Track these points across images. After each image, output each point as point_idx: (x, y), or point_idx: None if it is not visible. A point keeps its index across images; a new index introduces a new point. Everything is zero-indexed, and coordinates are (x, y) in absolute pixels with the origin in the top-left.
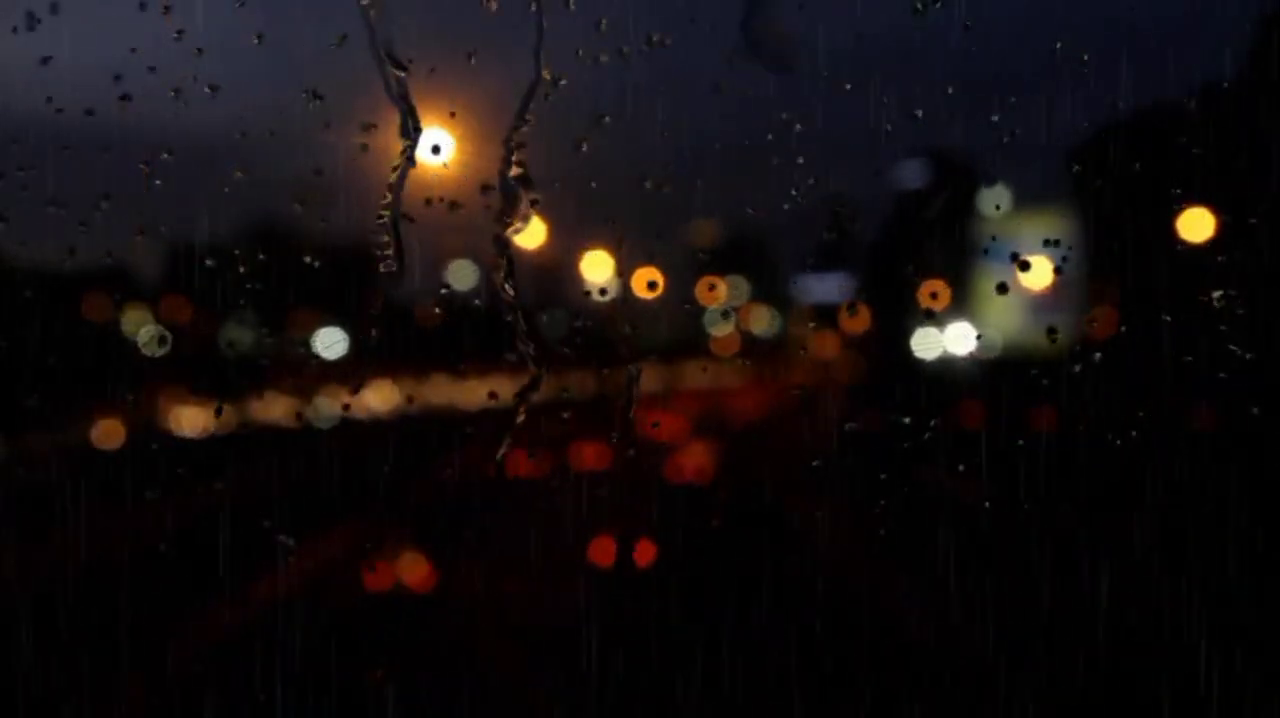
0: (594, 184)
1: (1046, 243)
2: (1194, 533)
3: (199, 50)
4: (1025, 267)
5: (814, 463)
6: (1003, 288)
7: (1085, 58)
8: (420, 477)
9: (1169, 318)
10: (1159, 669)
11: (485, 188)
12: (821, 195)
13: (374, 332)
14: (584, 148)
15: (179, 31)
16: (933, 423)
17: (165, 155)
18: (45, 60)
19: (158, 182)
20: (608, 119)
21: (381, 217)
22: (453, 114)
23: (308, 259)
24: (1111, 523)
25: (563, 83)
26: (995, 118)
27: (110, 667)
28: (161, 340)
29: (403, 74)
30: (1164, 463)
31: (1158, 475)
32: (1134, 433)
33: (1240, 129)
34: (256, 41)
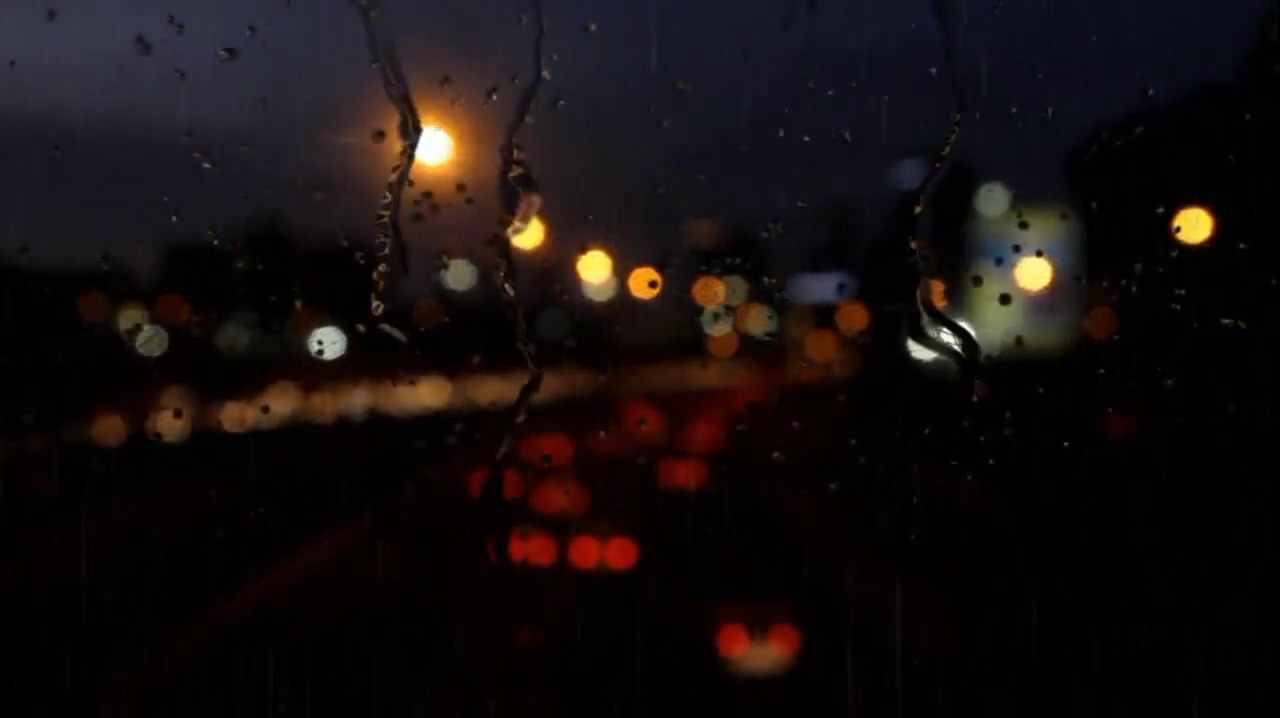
0: (594, 184)
1: (1046, 243)
2: (1194, 534)
3: (210, 52)
4: (1024, 261)
5: (812, 462)
6: (1005, 299)
7: (1085, 57)
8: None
9: (1168, 318)
10: (1157, 668)
11: (484, 188)
12: (821, 195)
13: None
14: (584, 148)
15: (179, 29)
16: (929, 422)
17: (162, 155)
18: (48, 65)
19: (156, 182)
20: (608, 119)
21: (381, 217)
22: (452, 114)
23: (308, 260)
24: (1110, 524)
25: (563, 83)
26: (996, 118)
27: (106, 664)
28: (159, 340)
29: (402, 74)
30: (1163, 463)
31: (1157, 475)
32: (1133, 433)
33: (1240, 129)
34: (255, 42)
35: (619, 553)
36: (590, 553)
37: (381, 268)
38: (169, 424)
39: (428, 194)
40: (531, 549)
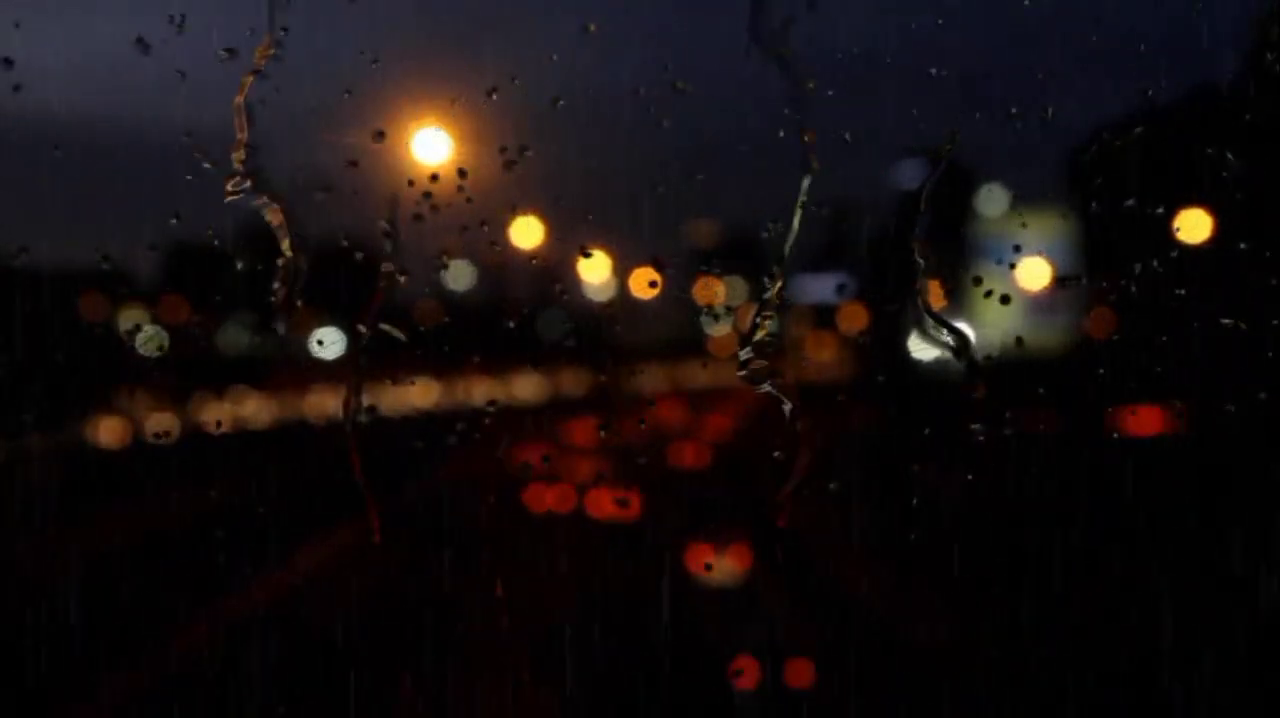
0: (594, 184)
1: (1046, 243)
2: (1193, 533)
3: (217, 52)
4: (1024, 261)
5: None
6: (1005, 299)
7: (1085, 57)
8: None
9: (1168, 318)
10: (1153, 668)
11: (484, 189)
12: (821, 195)
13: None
14: (584, 148)
15: (179, 29)
16: (928, 422)
17: (162, 155)
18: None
19: (156, 182)
20: (608, 118)
21: (381, 217)
22: (452, 114)
23: (308, 260)
24: (1108, 523)
25: (563, 83)
26: (996, 118)
27: (105, 665)
28: (159, 340)
29: (402, 76)
30: (1161, 462)
31: (1154, 474)
32: (1131, 432)
33: (1240, 129)
34: (255, 42)
35: (625, 507)
36: (587, 540)
37: (382, 268)
38: (169, 424)
39: (428, 194)
40: (528, 542)
